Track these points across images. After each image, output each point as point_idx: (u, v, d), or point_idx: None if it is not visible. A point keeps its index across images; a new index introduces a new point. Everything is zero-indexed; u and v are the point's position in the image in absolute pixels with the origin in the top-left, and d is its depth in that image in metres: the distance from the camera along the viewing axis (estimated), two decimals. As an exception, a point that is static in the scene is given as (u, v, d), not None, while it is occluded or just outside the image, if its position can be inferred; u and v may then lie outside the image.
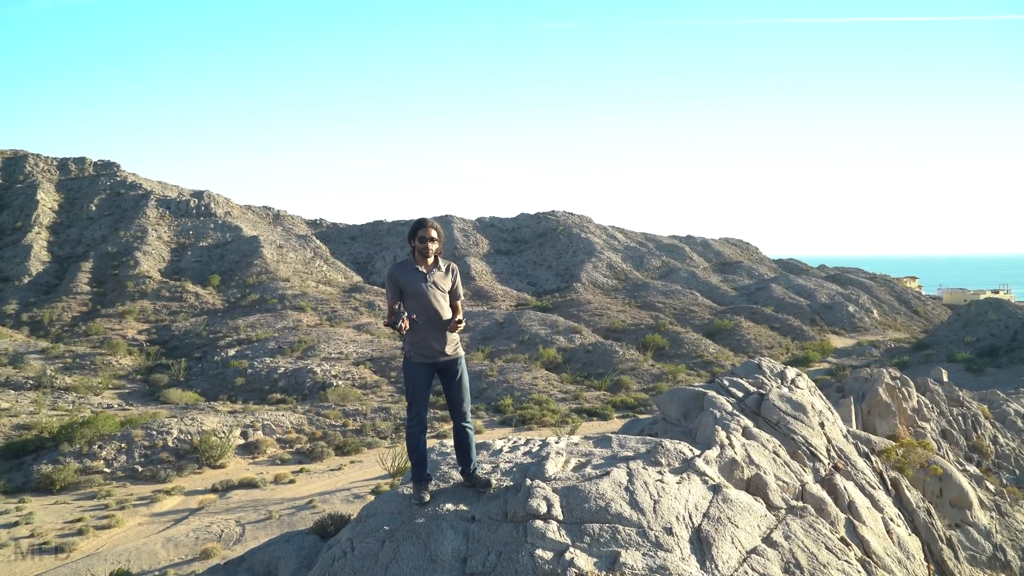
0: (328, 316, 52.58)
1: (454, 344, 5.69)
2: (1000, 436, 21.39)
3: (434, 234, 5.53)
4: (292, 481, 21.91)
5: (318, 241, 78.56)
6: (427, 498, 5.59)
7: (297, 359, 41.29)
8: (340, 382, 37.61)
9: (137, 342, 46.31)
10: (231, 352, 42.98)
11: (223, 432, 25.30)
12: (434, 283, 5.56)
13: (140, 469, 22.45)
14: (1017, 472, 19.40)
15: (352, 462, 24.46)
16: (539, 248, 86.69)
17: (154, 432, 24.32)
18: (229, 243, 67.71)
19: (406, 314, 5.33)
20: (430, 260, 5.61)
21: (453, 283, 5.70)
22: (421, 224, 5.53)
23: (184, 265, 62.92)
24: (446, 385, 5.77)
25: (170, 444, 23.91)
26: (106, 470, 22.26)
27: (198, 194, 76.73)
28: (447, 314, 5.56)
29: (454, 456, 6.64)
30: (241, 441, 25.64)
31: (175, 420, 25.74)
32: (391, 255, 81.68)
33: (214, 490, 20.78)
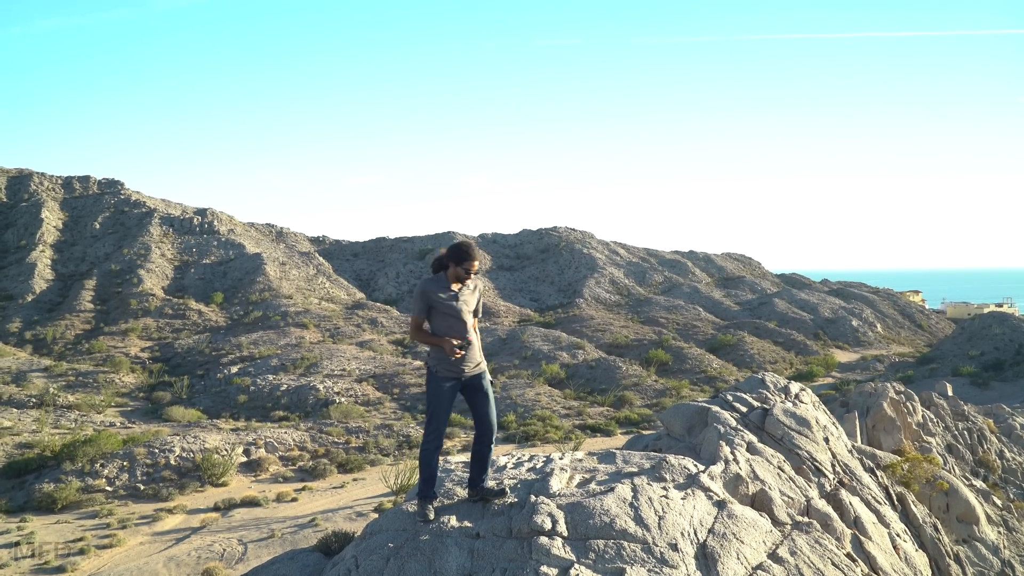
0: (331, 333, 52.58)
1: (480, 360, 5.74)
2: (1006, 450, 21.27)
3: (478, 265, 5.65)
4: (295, 499, 21.83)
5: (321, 258, 78.78)
6: (432, 516, 5.59)
7: (300, 376, 41.25)
8: (343, 399, 37.54)
9: (140, 360, 46.33)
10: (234, 369, 42.97)
11: (225, 450, 25.24)
12: (464, 302, 5.64)
13: (142, 487, 22.39)
14: (1024, 487, 19.28)
15: (355, 479, 24.37)
16: (541, 264, 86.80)
17: (156, 450, 24.27)
18: (232, 260, 67.91)
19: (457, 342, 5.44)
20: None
21: (478, 301, 5.82)
22: (469, 255, 5.52)
23: (187, 282, 63.07)
24: (471, 400, 5.79)
25: (172, 462, 23.85)
26: (108, 488, 22.21)
27: (201, 212, 77.08)
28: (470, 333, 5.62)
29: (458, 473, 6.64)
30: (243, 459, 25.56)
31: (177, 438, 25.70)
32: (393, 272, 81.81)
33: (216, 508, 20.70)
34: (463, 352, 5.44)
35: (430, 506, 5.69)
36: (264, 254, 69.60)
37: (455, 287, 5.62)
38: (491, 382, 5.84)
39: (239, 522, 19.59)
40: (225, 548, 17.33)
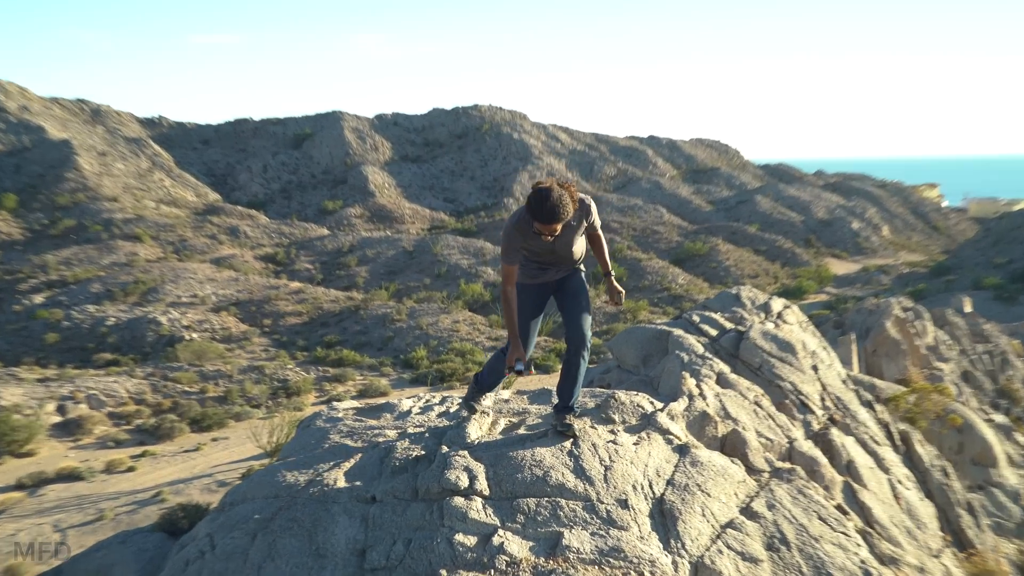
0: (175, 247, 51.49)
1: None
2: (1031, 378, 22.85)
3: (557, 227, 5.48)
4: (131, 468, 21.65)
5: (157, 147, 75.81)
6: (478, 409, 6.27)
7: (133, 306, 40.39)
8: (195, 335, 37.08)
9: (-97, 289, 44.24)
10: (38, 299, 41.83)
11: (31, 408, 24.73)
12: (558, 236, 5.82)
13: (-84, 461, 21.75)
14: (1050, 421, 20.86)
15: (215, 439, 24.32)
16: (458, 153, 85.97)
17: (-66, 410, 23.51)
18: (28, 150, 64.77)
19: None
20: None
21: (581, 223, 6.09)
22: (539, 216, 5.33)
23: (-36, 181, 59.94)
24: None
25: (-42, 425, 23.18)
26: None
27: (-22, 81, 72.53)
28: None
29: (346, 423, 6.67)
30: (57, 419, 25.12)
31: (-37, 393, 24.94)
32: (259, 164, 79.65)
33: (20, 486, 20.31)
34: (520, 375, 5.64)
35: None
36: (75, 141, 66.53)
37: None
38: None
39: (53, 502, 19.32)
40: (34, 537, 17.11)
